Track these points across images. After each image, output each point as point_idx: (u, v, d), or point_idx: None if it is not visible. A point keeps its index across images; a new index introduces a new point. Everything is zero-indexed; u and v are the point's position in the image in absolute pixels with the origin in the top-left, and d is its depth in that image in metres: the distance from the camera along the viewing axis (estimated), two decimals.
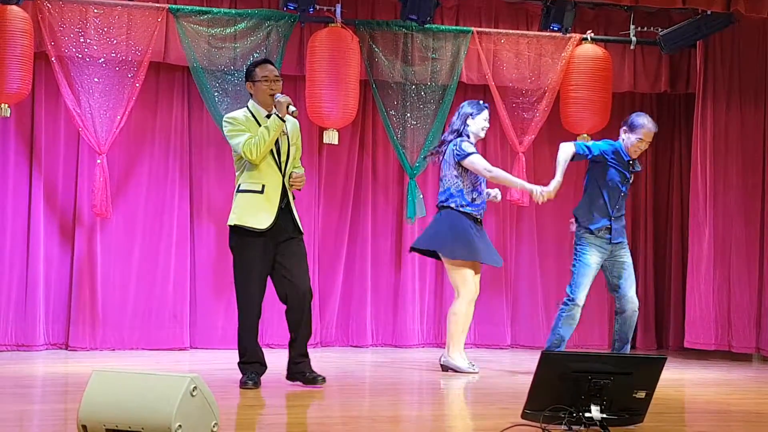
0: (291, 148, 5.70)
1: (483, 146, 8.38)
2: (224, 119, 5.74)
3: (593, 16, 8.24)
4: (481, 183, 6.61)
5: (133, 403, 3.73)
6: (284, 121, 5.56)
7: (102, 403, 3.78)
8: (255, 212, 5.59)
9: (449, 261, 6.56)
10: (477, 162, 6.51)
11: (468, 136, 6.59)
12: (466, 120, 6.60)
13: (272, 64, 5.78)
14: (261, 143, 5.52)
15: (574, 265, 6.38)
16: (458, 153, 6.50)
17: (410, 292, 8.15)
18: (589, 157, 6.36)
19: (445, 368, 6.59)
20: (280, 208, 5.61)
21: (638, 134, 6.32)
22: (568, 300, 6.34)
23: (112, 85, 7.26)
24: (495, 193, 6.70)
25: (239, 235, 5.63)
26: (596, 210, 6.35)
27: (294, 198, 5.73)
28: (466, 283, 6.54)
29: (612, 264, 6.42)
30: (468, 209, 6.52)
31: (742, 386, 6.59)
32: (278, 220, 5.59)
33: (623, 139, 6.37)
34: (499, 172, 6.61)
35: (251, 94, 5.73)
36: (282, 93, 5.62)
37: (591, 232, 6.34)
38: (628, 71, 8.27)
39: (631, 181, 6.51)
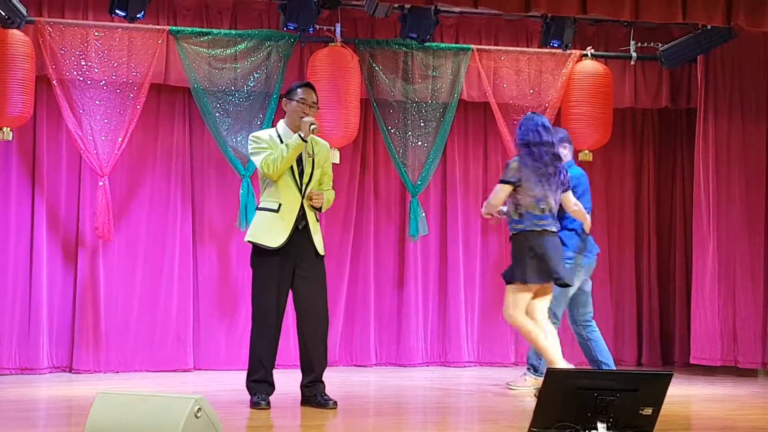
0: (316, 170, 5.72)
1: (485, 163, 8.41)
2: (250, 137, 5.82)
3: (593, 32, 8.25)
4: None
5: (138, 425, 3.72)
6: (305, 141, 5.58)
7: (106, 426, 3.77)
8: (269, 230, 5.63)
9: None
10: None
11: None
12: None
13: (315, 91, 5.82)
14: (279, 159, 5.57)
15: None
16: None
17: (413, 310, 8.12)
18: None
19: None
20: (296, 228, 5.62)
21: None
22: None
23: (114, 108, 7.27)
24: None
25: (256, 252, 5.70)
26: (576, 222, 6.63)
27: (318, 221, 5.74)
28: None
29: None
30: None
31: (748, 402, 6.55)
32: (294, 240, 5.60)
33: (566, 155, 6.63)
34: None
35: (284, 112, 5.80)
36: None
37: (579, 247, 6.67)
38: (629, 87, 8.27)
39: None
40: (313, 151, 5.72)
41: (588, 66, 7.94)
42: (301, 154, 5.66)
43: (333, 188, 5.91)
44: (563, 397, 4.25)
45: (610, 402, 4.23)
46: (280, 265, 5.62)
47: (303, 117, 5.65)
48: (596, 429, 4.23)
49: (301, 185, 5.67)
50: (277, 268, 5.61)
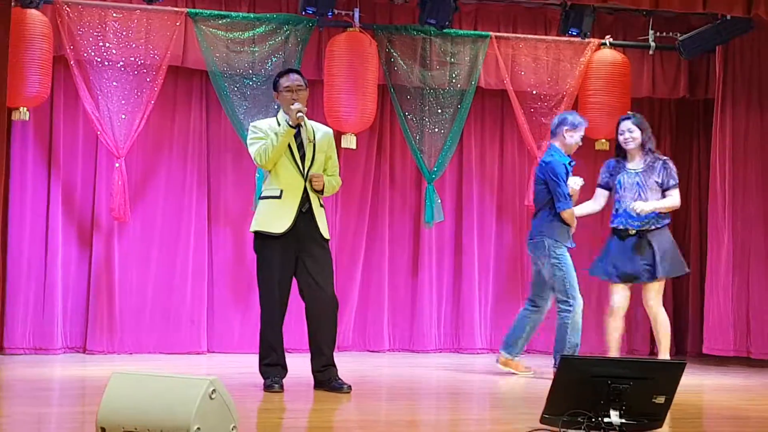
0: (318, 155, 5.72)
1: (501, 151, 8.40)
2: (250, 126, 5.84)
3: (612, 21, 8.21)
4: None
5: (152, 406, 3.73)
6: (293, 128, 5.58)
7: (121, 406, 3.78)
8: (273, 217, 5.64)
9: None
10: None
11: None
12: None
13: (297, 72, 5.82)
14: (269, 149, 5.59)
15: (557, 272, 6.50)
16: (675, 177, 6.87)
17: (427, 297, 8.14)
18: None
19: None
20: (300, 212, 5.63)
21: (581, 130, 6.68)
22: (569, 306, 6.46)
23: (131, 89, 7.28)
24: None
25: (260, 238, 5.70)
26: (561, 220, 6.56)
27: (322, 205, 5.74)
28: None
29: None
30: None
31: (760, 392, 6.55)
32: (298, 224, 5.61)
33: (565, 140, 6.62)
34: None
35: (280, 104, 5.79)
36: (307, 100, 5.66)
37: (562, 242, 6.58)
38: (647, 76, 8.23)
39: None
40: (314, 137, 5.71)
41: (606, 55, 7.91)
42: (301, 139, 5.66)
43: (339, 175, 5.92)
44: (577, 384, 4.24)
45: (623, 390, 4.22)
46: (284, 249, 5.62)
47: (292, 103, 5.64)
48: (609, 417, 4.22)
49: (303, 169, 5.67)
50: (280, 251, 5.62)
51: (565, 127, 6.65)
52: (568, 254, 6.59)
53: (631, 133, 6.85)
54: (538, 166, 6.80)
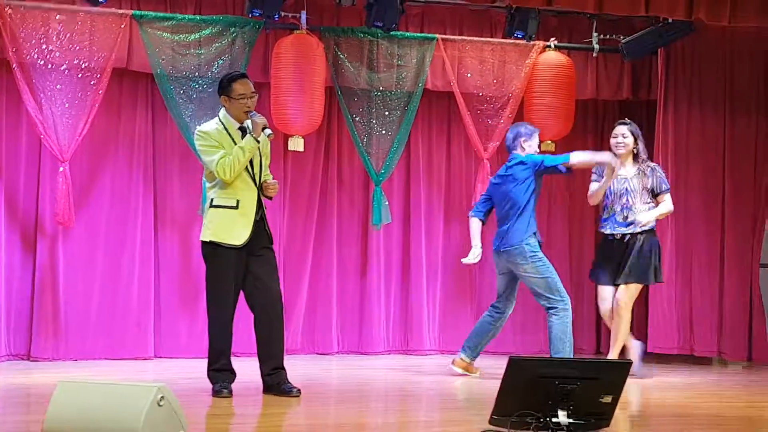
0: (264, 161, 5.69)
1: (447, 152, 8.44)
2: (197, 133, 5.73)
3: (556, 24, 8.29)
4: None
5: (100, 414, 3.70)
6: (258, 142, 5.55)
7: (67, 415, 3.74)
8: (230, 228, 5.58)
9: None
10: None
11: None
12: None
13: (248, 79, 5.75)
14: (235, 163, 5.51)
15: (543, 275, 6.53)
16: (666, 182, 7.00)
17: (375, 298, 8.15)
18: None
19: None
20: (255, 222, 5.61)
21: (536, 137, 6.81)
22: (564, 305, 6.52)
23: (75, 92, 7.18)
24: None
25: (212, 248, 5.62)
26: (532, 219, 6.64)
27: (266, 208, 5.73)
28: None
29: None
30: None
31: (704, 389, 6.67)
32: (253, 234, 5.58)
33: (525, 150, 6.71)
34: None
35: (225, 107, 5.70)
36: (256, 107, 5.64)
37: (538, 241, 6.65)
38: (591, 78, 8.33)
39: None
40: (258, 142, 5.65)
41: (551, 57, 7.99)
42: None
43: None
44: (525, 385, 4.28)
45: (571, 390, 4.27)
46: (236, 258, 5.59)
47: (248, 111, 5.58)
48: (557, 417, 4.27)
49: (254, 176, 5.64)
50: (234, 261, 5.58)
51: (522, 138, 6.73)
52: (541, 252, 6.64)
53: (624, 138, 6.92)
54: (506, 175, 6.72)
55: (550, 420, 4.27)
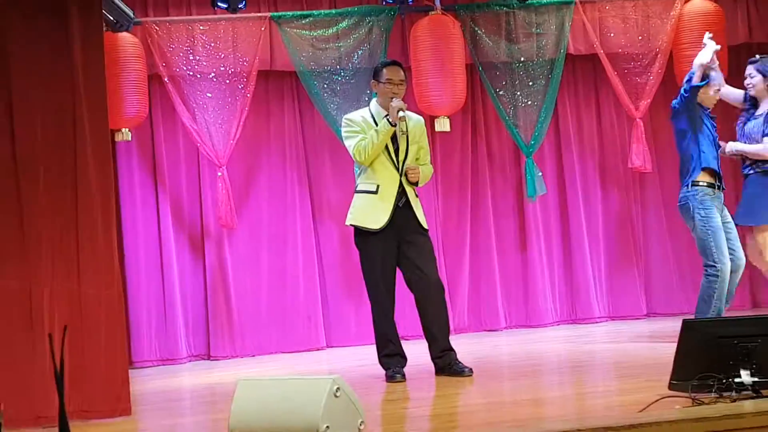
0: (411, 146, 5.73)
1: (597, 116, 8.26)
2: (343, 119, 5.88)
3: None
4: None
5: (280, 409, 3.81)
6: (394, 126, 5.59)
7: (250, 411, 3.87)
8: (370, 212, 5.67)
9: None
10: None
11: None
12: None
13: (402, 68, 5.82)
14: (369, 146, 5.61)
15: (699, 237, 6.25)
16: None
17: (539, 270, 8.07)
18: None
19: None
20: (396, 207, 5.65)
21: (714, 86, 6.43)
22: (718, 270, 6.19)
23: (225, 98, 7.41)
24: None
25: (359, 233, 5.75)
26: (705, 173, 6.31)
27: (417, 195, 5.76)
28: None
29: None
30: None
31: None
32: (395, 218, 5.63)
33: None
34: None
35: (376, 93, 5.80)
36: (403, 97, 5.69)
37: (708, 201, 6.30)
38: (742, 22, 7.98)
39: None
40: (406, 128, 5.67)
41: (697, 5, 7.67)
42: (395, 132, 5.65)
43: (431, 163, 5.92)
44: (702, 347, 4.16)
45: (751, 348, 4.13)
46: (384, 242, 5.65)
47: (392, 98, 5.65)
48: (739, 377, 4.13)
49: (398, 163, 5.68)
50: (382, 247, 5.65)
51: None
52: (714, 214, 6.27)
53: (751, 79, 6.56)
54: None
55: (733, 381, 4.13)
